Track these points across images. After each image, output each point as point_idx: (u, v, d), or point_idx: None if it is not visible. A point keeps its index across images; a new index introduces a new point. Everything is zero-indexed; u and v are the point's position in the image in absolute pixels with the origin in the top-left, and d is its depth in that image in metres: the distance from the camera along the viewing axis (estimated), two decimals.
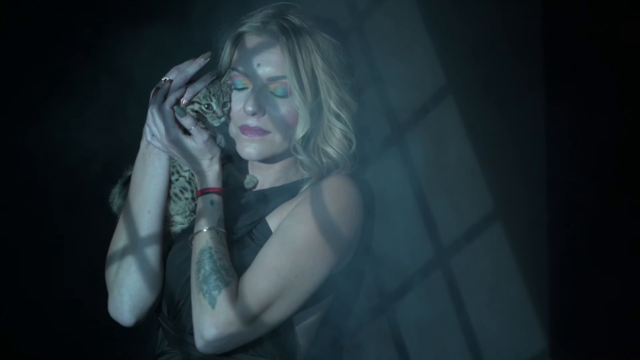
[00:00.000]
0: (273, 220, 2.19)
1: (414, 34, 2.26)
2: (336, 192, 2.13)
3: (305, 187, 2.24)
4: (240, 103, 2.21)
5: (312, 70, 2.16)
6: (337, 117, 2.17)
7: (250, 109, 2.16)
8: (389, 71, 2.37)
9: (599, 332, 1.86)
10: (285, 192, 2.23)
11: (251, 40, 2.21)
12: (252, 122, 2.17)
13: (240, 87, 2.21)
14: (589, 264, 1.87)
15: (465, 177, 2.13)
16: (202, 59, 2.22)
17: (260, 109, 2.16)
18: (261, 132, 2.18)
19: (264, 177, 2.28)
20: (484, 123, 2.07)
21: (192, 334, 2.16)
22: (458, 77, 2.15)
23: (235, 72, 2.20)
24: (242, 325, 2.07)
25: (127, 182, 2.30)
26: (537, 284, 1.92)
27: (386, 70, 2.38)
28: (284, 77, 2.16)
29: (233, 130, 2.21)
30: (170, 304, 2.24)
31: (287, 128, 2.18)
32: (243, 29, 2.22)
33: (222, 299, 2.07)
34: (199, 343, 2.08)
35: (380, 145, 2.39)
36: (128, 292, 2.23)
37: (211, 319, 2.07)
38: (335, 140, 2.21)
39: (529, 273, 1.95)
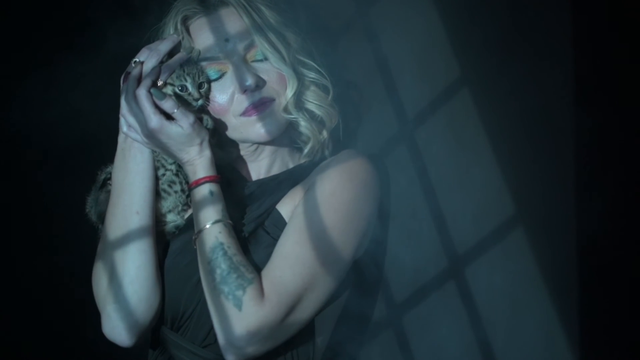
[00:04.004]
0: (285, 208, 2.06)
1: (423, 19, 2.11)
2: (351, 168, 2.04)
3: (303, 159, 2.16)
4: (225, 92, 2.10)
5: (272, 26, 2.11)
6: (304, 66, 2.11)
7: (250, 82, 2.07)
8: (397, 62, 2.24)
9: (636, 352, 1.69)
10: (291, 177, 2.13)
11: (203, 23, 2.13)
12: (255, 96, 2.09)
13: (216, 76, 2.11)
14: (623, 275, 1.71)
15: (482, 178, 1.98)
16: (175, 35, 2.10)
17: (259, 79, 2.08)
18: (268, 101, 2.10)
19: (258, 166, 2.18)
20: (503, 118, 1.92)
21: (204, 347, 2.03)
22: (474, 67, 2.00)
23: (204, 62, 2.10)
24: (274, 325, 1.93)
25: (102, 187, 2.17)
26: (564, 297, 1.77)
27: (393, 61, 2.25)
28: (254, 41, 2.10)
29: (233, 122, 2.10)
30: (174, 315, 2.08)
31: (284, 89, 2.11)
32: (186, 13, 2.13)
33: (248, 298, 1.92)
34: (229, 353, 1.93)
35: (387, 144, 2.27)
36: (124, 308, 2.07)
37: (240, 322, 1.91)
38: (310, 92, 2.14)
39: (555, 285, 1.80)
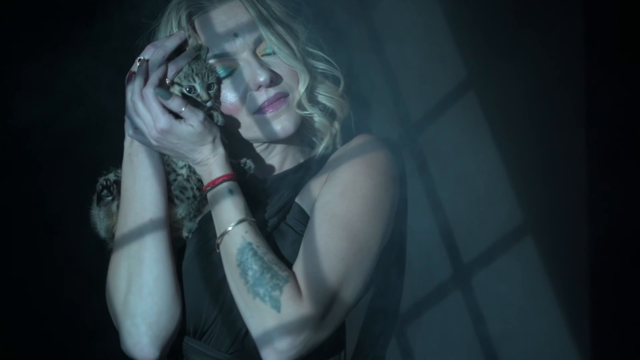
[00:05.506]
0: (305, 202, 2.00)
1: (428, 19, 2.06)
2: (370, 153, 1.99)
3: (330, 153, 2.11)
4: (236, 90, 2.05)
5: (279, 18, 2.06)
6: (314, 57, 2.06)
7: (264, 77, 2.01)
8: (400, 63, 2.18)
9: None
10: (305, 170, 2.07)
11: (209, 18, 2.06)
12: (269, 93, 2.03)
13: (225, 74, 2.05)
14: (637, 285, 1.65)
15: (489, 184, 1.92)
16: (182, 32, 2.04)
17: (273, 74, 2.02)
18: (283, 97, 2.04)
19: (270, 164, 2.12)
20: (511, 122, 1.86)
21: (231, 353, 1.96)
22: (481, 69, 1.94)
23: (213, 60, 2.04)
24: (316, 323, 1.86)
25: (99, 201, 2.11)
26: (575, 308, 1.71)
27: (396, 63, 2.19)
28: (263, 35, 2.05)
29: (247, 120, 2.04)
30: (196, 322, 2.01)
31: (296, 84, 2.06)
32: (191, 9, 2.07)
33: (286, 298, 1.85)
34: (272, 358, 1.87)
35: None
36: (145, 321, 1.98)
37: (281, 324, 1.84)
38: (321, 85, 2.09)
39: (565, 295, 1.74)
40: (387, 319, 2.21)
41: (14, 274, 2.68)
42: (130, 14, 2.21)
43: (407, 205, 2.14)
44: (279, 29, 2.04)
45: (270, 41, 2.03)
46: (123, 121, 2.07)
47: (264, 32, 2.03)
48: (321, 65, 2.09)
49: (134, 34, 2.15)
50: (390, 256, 2.11)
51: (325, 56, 2.10)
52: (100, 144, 2.39)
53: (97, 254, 2.20)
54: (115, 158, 2.15)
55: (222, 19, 2.03)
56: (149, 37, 2.10)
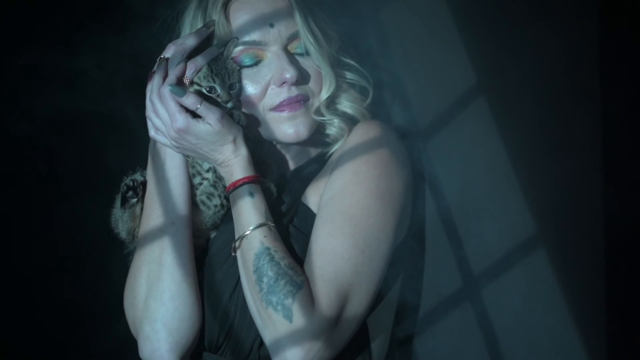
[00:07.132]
0: (311, 199, 1.94)
1: (437, 23, 2.01)
2: (372, 141, 1.92)
3: (334, 148, 2.06)
4: (258, 82, 1.98)
5: (318, 20, 2.00)
6: (343, 66, 2.00)
7: (292, 74, 1.94)
8: (408, 68, 2.13)
9: None
10: (311, 166, 2.01)
11: (247, 3, 2.00)
12: (292, 91, 1.97)
13: (250, 63, 1.98)
14: None
15: (500, 194, 1.87)
16: (204, 28, 1.98)
17: (300, 73, 1.97)
18: (303, 99, 1.98)
19: (282, 164, 2.07)
20: (523, 129, 1.81)
21: None
22: (492, 74, 1.89)
23: (241, 47, 1.98)
24: (329, 331, 1.79)
25: (124, 203, 2.05)
26: (591, 325, 1.66)
27: (405, 68, 2.14)
28: (299, 32, 1.99)
29: (261, 116, 1.98)
30: (210, 336, 1.96)
31: (320, 90, 2.00)
32: None
33: (298, 307, 1.78)
34: None
35: None
36: (166, 327, 1.92)
37: (292, 336, 1.77)
38: (345, 94, 2.03)
39: (581, 310, 1.69)
40: (412, 316, 2.16)
41: (13, 273, 2.64)
42: (143, 1, 2.17)
43: (424, 192, 2.07)
44: (316, 29, 1.98)
45: (307, 38, 1.97)
46: (129, 113, 2.05)
47: (302, 27, 1.97)
48: (349, 75, 2.04)
49: (145, 22, 2.11)
50: (411, 248, 2.04)
51: (357, 65, 2.04)
52: (110, 133, 2.35)
53: (98, 254, 2.17)
54: (121, 152, 2.12)
55: (261, 6, 1.97)
56: (176, 16, 2.05)
